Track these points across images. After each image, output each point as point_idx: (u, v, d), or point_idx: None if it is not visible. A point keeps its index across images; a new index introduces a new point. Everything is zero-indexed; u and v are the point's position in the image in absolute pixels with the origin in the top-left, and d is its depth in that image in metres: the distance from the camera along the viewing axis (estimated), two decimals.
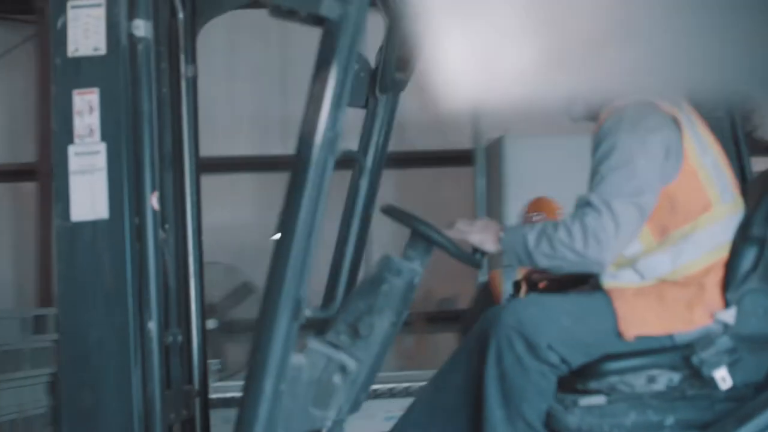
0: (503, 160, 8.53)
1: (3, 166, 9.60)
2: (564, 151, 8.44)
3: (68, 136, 2.63)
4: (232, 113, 9.16)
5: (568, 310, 2.65)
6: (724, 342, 2.56)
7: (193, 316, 3.13)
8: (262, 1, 2.40)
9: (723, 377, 2.56)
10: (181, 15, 3.14)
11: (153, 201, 2.67)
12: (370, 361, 2.59)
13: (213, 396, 3.39)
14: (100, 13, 2.67)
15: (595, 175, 2.69)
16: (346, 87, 2.40)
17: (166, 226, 2.99)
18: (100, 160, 2.64)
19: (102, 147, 2.64)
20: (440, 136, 9.43)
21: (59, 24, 2.67)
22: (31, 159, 9.24)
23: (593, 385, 2.64)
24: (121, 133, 2.63)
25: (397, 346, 7.74)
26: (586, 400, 2.62)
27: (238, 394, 2.48)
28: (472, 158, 8.91)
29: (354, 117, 3.30)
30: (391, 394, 6.04)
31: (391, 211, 2.73)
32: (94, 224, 2.61)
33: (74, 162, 2.63)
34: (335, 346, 2.57)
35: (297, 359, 2.46)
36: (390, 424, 2.97)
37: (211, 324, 5.91)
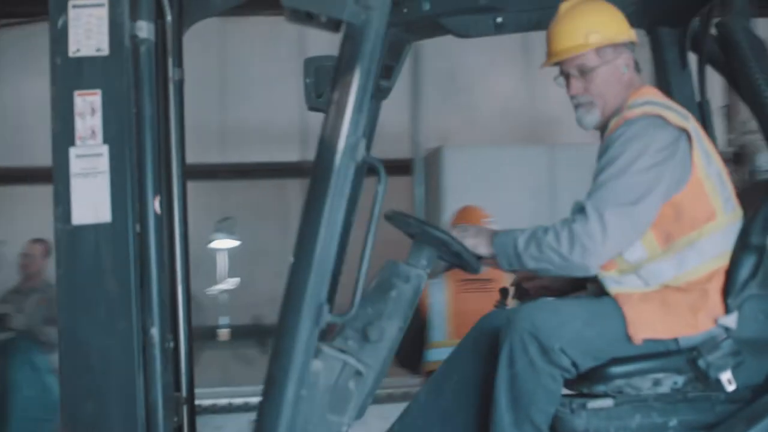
0: (442, 169, 8.63)
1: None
2: (500, 160, 8.62)
3: (69, 138, 2.58)
4: None
5: (579, 314, 2.69)
6: (729, 345, 2.63)
7: (180, 322, 3.09)
8: (285, 4, 2.36)
9: (729, 379, 2.64)
10: (169, 17, 3.10)
11: (155, 205, 2.63)
12: (378, 367, 2.59)
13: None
14: (103, 13, 2.62)
15: (594, 182, 2.73)
16: (368, 92, 2.40)
17: None
18: (103, 163, 2.58)
19: (104, 149, 2.59)
20: (378, 146, 9.45)
21: (59, 23, 2.61)
22: None
23: (600, 388, 2.68)
24: (123, 136, 2.59)
25: None
26: (594, 403, 2.66)
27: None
28: (411, 168, 8.97)
29: None
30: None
31: (394, 217, 2.73)
32: (96, 228, 2.56)
33: (76, 164, 2.58)
34: (343, 352, 2.55)
35: (315, 364, 2.45)
36: (385, 427, 2.98)
37: None
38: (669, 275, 2.71)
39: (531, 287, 3.17)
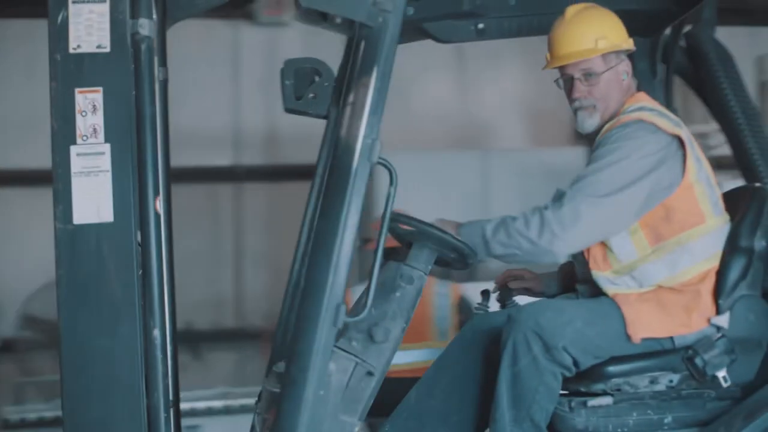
0: (374, 173, 8.62)
1: None
2: (433, 165, 8.67)
3: (70, 136, 2.53)
4: None
5: (581, 314, 2.74)
6: (724, 344, 2.72)
7: (167, 323, 3.05)
8: (303, 4, 2.35)
9: (724, 377, 2.73)
10: (154, 16, 3.06)
11: (156, 204, 2.60)
12: (382, 368, 2.60)
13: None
14: (104, 9, 2.59)
15: (577, 174, 2.78)
16: (384, 94, 2.41)
17: None
18: (105, 162, 2.54)
19: (106, 148, 2.55)
20: (311, 150, 9.42)
21: (59, 19, 2.56)
22: None
23: (598, 386, 2.75)
24: (125, 134, 2.55)
25: None
26: (595, 401, 2.72)
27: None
28: None
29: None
30: None
31: (395, 219, 2.74)
32: (98, 227, 2.51)
33: (77, 163, 2.53)
34: (347, 353, 2.56)
35: (328, 366, 2.44)
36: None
37: None
38: (662, 276, 2.80)
39: (515, 288, 3.22)
